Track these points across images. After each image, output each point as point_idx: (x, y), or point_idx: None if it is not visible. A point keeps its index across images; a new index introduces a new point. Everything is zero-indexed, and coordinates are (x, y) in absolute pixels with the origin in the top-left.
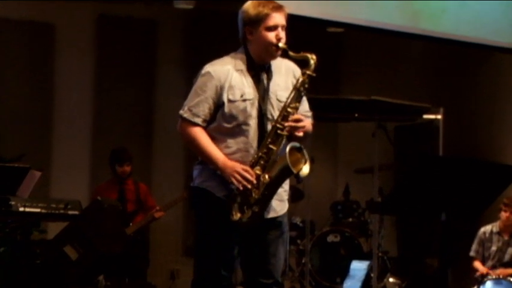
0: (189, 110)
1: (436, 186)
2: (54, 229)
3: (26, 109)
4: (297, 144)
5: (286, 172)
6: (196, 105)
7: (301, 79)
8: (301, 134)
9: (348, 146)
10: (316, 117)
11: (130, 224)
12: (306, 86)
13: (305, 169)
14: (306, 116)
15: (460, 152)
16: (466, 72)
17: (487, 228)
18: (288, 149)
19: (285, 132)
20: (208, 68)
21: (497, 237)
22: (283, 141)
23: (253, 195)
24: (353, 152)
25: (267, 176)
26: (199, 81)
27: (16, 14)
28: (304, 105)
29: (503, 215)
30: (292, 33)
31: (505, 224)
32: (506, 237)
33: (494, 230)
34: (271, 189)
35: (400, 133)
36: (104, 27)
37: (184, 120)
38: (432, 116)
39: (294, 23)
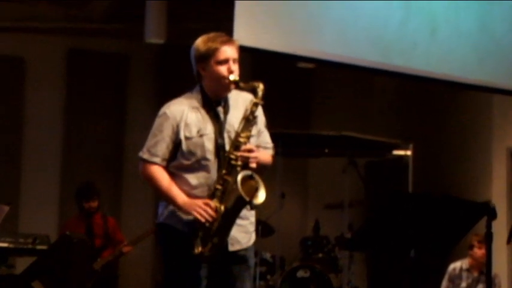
0: (148, 151)
1: (405, 223)
2: (22, 264)
3: None
4: (248, 172)
5: (239, 201)
6: (154, 145)
7: (249, 108)
8: (254, 165)
9: (318, 182)
10: (286, 153)
11: (98, 259)
12: (255, 114)
13: (260, 195)
14: (266, 148)
15: (430, 188)
16: (435, 109)
17: (456, 265)
18: (239, 178)
19: (238, 163)
20: (164, 109)
21: (467, 274)
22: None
23: (213, 227)
24: (323, 188)
25: (222, 207)
26: (156, 122)
27: None
28: (265, 137)
29: (478, 252)
30: (263, 68)
31: (478, 261)
32: (475, 274)
33: (464, 266)
34: (228, 220)
35: (370, 169)
36: (75, 62)
37: (144, 161)
38: (402, 152)
39: (265, 57)
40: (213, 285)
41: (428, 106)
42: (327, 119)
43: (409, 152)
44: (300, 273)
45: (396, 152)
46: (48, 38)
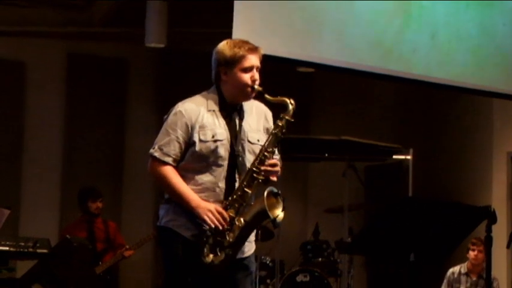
0: (160, 149)
1: (405, 227)
2: (22, 267)
3: None
4: (274, 189)
5: (262, 216)
6: (167, 145)
7: (280, 124)
8: (275, 178)
9: (318, 186)
10: (286, 157)
11: (100, 263)
12: (284, 130)
13: (281, 214)
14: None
15: (429, 192)
16: (435, 113)
17: (455, 269)
18: (266, 193)
19: (261, 176)
20: (180, 107)
21: (466, 278)
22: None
23: (228, 238)
24: (323, 192)
25: (242, 220)
26: (170, 119)
27: None
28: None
29: (471, 254)
30: (262, 72)
31: (473, 263)
32: (474, 278)
33: (463, 270)
34: (245, 233)
35: (370, 173)
36: (75, 66)
37: (155, 159)
38: (402, 157)
39: (264, 62)
40: None
41: (428, 111)
42: (326, 123)
43: (409, 157)
44: (300, 278)
45: (396, 157)
46: (48, 42)
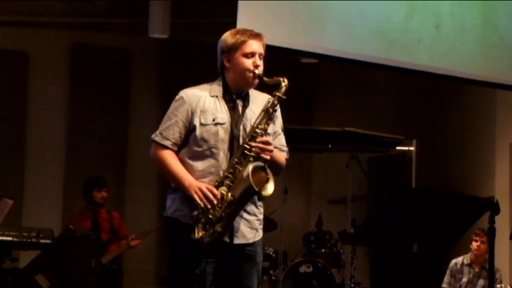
0: (160, 133)
1: (408, 218)
2: (26, 258)
3: None
4: (260, 163)
5: (249, 190)
6: (167, 129)
7: (271, 101)
8: (267, 157)
9: (321, 177)
10: (289, 148)
11: (106, 253)
12: (276, 108)
13: (269, 187)
14: (281, 150)
15: (433, 183)
16: (438, 104)
17: (458, 260)
18: (251, 168)
19: (252, 153)
20: (182, 93)
21: (468, 269)
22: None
23: (216, 213)
24: (326, 183)
25: (229, 195)
26: (172, 106)
27: None
28: (281, 140)
29: (474, 244)
30: (266, 63)
31: (476, 254)
32: (477, 269)
33: (465, 261)
34: (233, 208)
35: (373, 164)
36: (78, 56)
37: (155, 143)
38: (405, 148)
39: (268, 52)
40: (219, 282)
41: (431, 102)
42: (330, 114)
43: (412, 148)
44: (303, 268)
45: (399, 148)
46: (52, 32)
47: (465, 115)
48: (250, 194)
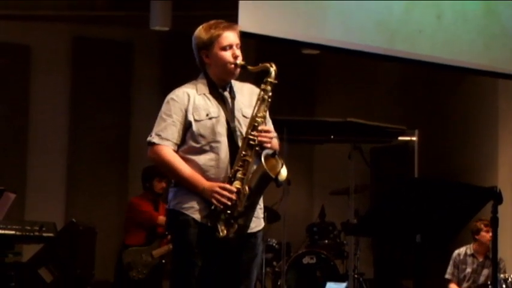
0: (157, 135)
1: (411, 208)
2: (29, 251)
3: (0, 130)
4: (269, 151)
5: (265, 179)
6: (164, 130)
7: (265, 87)
8: (268, 145)
9: (324, 168)
10: (291, 139)
11: (157, 247)
12: (270, 93)
13: (283, 172)
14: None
15: (435, 173)
16: (440, 94)
17: (461, 251)
18: (263, 156)
19: (257, 142)
20: (171, 95)
21: (472, 259)
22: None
23: (237, 208)
24: (329, 174)
25: (247, 188)
26: (164, 108)
27: None
28: (271, 125)
29: (485, 235)
30: (267, 54)
31: (486, 244)
32: (480, 259)
33: (469, 252)
34: (252, 200)
35: (375, 155)
36: (80, 49)
37: (154, 146)
38: (407, 138)
39: (269, 44)
40: (221, 273)
41: (433, 92)
42: (332, 105)
43: (414, 138)
44: (306, 260)
45: (402, 138)
46: (53, 25)
47: (467, 105)
48: (266, 182)
